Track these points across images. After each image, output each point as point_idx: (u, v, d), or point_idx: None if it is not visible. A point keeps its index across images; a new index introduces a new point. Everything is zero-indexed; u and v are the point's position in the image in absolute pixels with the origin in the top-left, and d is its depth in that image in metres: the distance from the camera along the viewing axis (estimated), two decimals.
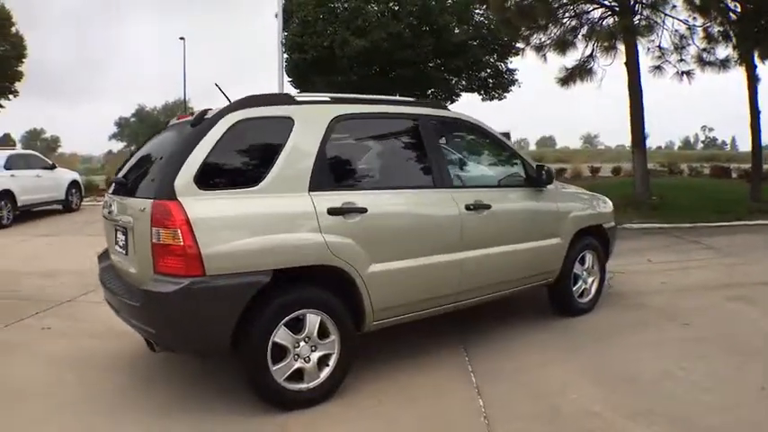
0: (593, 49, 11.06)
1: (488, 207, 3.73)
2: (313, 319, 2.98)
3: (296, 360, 2.95)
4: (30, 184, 10.97)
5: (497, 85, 20.24)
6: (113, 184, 3.56)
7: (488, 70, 20.01)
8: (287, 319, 2.90)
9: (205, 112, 3.09)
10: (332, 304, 3.04)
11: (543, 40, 11.17)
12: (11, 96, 24.04)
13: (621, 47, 10.70)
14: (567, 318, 4.44)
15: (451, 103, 20.52)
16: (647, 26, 10.63)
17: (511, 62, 19.96)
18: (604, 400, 2.98)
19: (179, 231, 2.63)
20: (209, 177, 2.78)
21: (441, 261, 3.47)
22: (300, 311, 2.94)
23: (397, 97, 3.79)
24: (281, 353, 2.91)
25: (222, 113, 2.95)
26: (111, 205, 3.41)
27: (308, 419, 2.90)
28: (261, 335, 2.83)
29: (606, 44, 10.53)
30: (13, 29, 23.59)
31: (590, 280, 4.67)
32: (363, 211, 3.12)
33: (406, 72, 17.49)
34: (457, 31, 18.29)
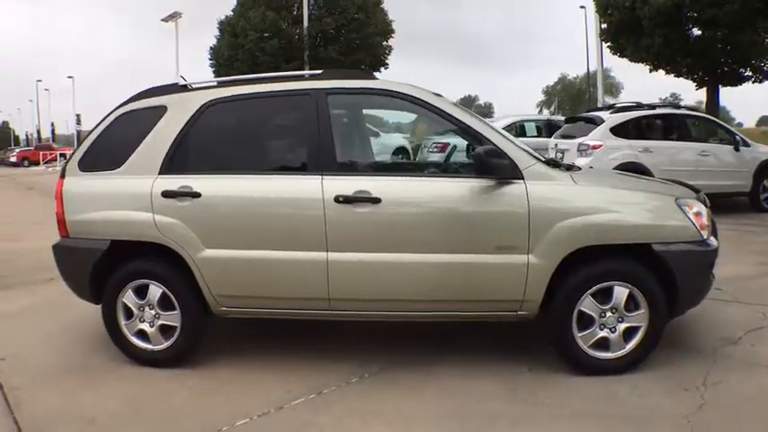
0: None
1: (377, 201, 3.03)
2: (154, 290, 3.28)
3: (141, 322, 3.33)
4: None
5: None
6: None
7: None
8: (133, 284, 3.30)
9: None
10: (172, 280, 3.25)
11: None
12: (381, 69, 29.03)
13: None
14: (573, 374, 3.10)
15: None
16: None
17: None
18: None
19: (56, 201, 3.44)
20: (89, 161, 3.42)
21: (294, 259, 3.11)
22: (144, 281, 3.29)
23: (301, 72, 3.38)
24: (129, 313, 3.35)
25: (116, 108, 3.53)
26: None
27: (137, 375, 3.26)
28: (111, 293, 3.33)
29: None
30: (380, 8, 28.37)
31: (620, 327, 3.07)
32: (197, 195, 3.16)
33: (714, 33, 13.26)
34: None
